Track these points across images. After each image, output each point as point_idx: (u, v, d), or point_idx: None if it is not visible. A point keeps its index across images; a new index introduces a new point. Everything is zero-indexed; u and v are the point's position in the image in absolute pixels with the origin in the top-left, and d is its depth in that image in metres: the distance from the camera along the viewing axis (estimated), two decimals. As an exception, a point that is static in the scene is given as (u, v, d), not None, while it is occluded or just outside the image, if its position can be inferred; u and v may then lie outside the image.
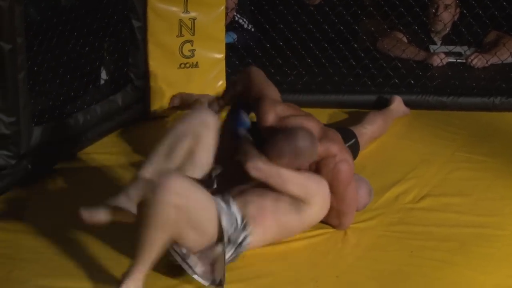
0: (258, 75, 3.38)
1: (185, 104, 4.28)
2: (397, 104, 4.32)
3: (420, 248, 3.16)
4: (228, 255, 2.89)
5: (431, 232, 3.28)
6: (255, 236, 2.97)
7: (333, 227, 3.25)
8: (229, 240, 2.89)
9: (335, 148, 3.20)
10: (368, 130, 3.96)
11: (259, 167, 2.98)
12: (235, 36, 4.87)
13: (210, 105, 3.41)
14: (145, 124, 4.28)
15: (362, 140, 3.85)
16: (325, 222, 3.23)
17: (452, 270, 3.04)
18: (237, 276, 2.93)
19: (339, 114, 4.41)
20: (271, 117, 3.18)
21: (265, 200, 3.00)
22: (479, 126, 4.28)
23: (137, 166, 3.70)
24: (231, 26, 4.89)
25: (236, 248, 2.93)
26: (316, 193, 3.07)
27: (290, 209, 3.02)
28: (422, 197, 3.55)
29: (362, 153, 3.90)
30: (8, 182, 3.54)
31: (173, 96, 4.31)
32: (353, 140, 3.78)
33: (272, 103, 3.23)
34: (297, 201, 3.03)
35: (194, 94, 4.32)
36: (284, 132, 3.06)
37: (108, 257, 3.05)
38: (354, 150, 3.70)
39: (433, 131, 4.06)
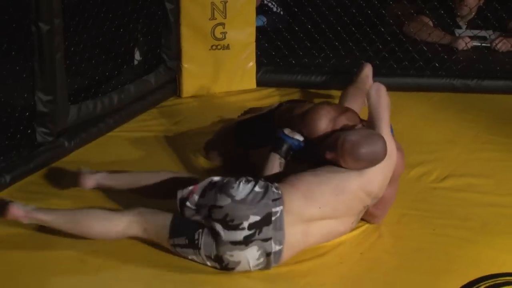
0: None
1: None
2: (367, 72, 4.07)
3: (442, 226, 3.14)
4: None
5: (454, 211, 3.26)
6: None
7: (370, 219, 3.11)
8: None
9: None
10: None
11: None
12: (265, 19, 4.83)
13: None
14: (177, 103, 4.28)
15: None
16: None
17: (474, 248, 3.01)
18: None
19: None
20: (324, 123, 3.04)
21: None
22: (502, 109, 4.23)
23: (168, 143, 3.78)
24: (261, 9, 4.86)
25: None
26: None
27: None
28: (445, 177, 3.51)
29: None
30: (45, 158, 3.56)
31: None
32: None
33: (319, 110, 3.09)
34: None
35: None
36: (360, 135, 2.90)
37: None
38: None
39: (457, 113, 4.05)
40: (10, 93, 3.82)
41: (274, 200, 2.78)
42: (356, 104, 3.71)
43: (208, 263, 2.83)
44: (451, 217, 3.21)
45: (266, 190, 2.80)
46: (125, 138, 3.88)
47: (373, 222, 3.12)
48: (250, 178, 2.85)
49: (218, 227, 2.76)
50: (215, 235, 2.77)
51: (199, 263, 2.84)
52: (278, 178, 2.93)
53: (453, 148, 3.77)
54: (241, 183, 2.81)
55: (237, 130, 3.49)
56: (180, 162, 3.63)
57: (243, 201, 2.76)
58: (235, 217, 2.75)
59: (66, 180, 3.42)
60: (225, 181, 2.84)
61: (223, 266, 2.80)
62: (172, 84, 4.31)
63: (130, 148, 3.79)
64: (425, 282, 2.82)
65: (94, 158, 3.65)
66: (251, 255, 2.77)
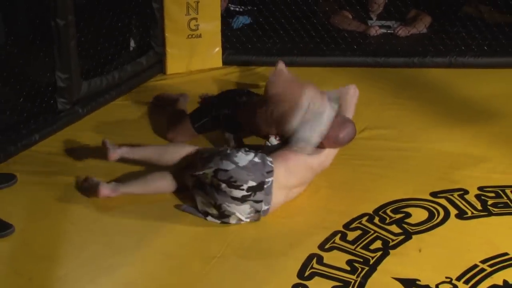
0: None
1: (167, 102, 3.72)
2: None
3: (360, 166, 3.18)
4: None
5: (368, 154, 3.28)
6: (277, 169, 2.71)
7: None
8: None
9: None
10: None
11: None
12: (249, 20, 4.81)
13: None
14: (163, 78, 4.24)
15: None
16: None
17: (383, 181, 3.06)
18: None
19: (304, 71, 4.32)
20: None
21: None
22: (403, 79, 4.24)
23: (157, 108, 3.74)
24: (244, 12, 4.83)
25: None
26: None
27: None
28: (362, 129, 3.52)
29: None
30: (65, 122, 3.56)
31: (156, 96, 3.84)
32: None
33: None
34: None
35: (173, 95, 3.79)
36: (337, 123, 2.82)
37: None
38: None
39: (371, 82, 4.04)
40: (37, 73, 3.78)
41: (268, 172, 2.69)
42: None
43: (209, 211, 2.72)
44: (366, 159, 3.23)
45: (263, 162, 2.69)
46: (125, 105, 3.85)
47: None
48: (248, 150, 2.74)
49: (223, 185, 2.65)
50: (219, 190, 2.67)
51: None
52: (269, 151, 2.81)
53: (367, 108, 3.75)
54: (242, 153, 2.69)
55: (192, 117, 3.29)
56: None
57: (245, 167, 2.65)
58: (238, 179, 2.63)
59: (81, 139, 3.41)
60: (228, 151, 2.72)
61: (220, 213, 2.70)
62: (159, 64, 4.26)
63: (129, 113, 3.77)
64: (349, 206, 2.86)
65: (102, 121, 3.64)
66: (244, 210, 2.69)
